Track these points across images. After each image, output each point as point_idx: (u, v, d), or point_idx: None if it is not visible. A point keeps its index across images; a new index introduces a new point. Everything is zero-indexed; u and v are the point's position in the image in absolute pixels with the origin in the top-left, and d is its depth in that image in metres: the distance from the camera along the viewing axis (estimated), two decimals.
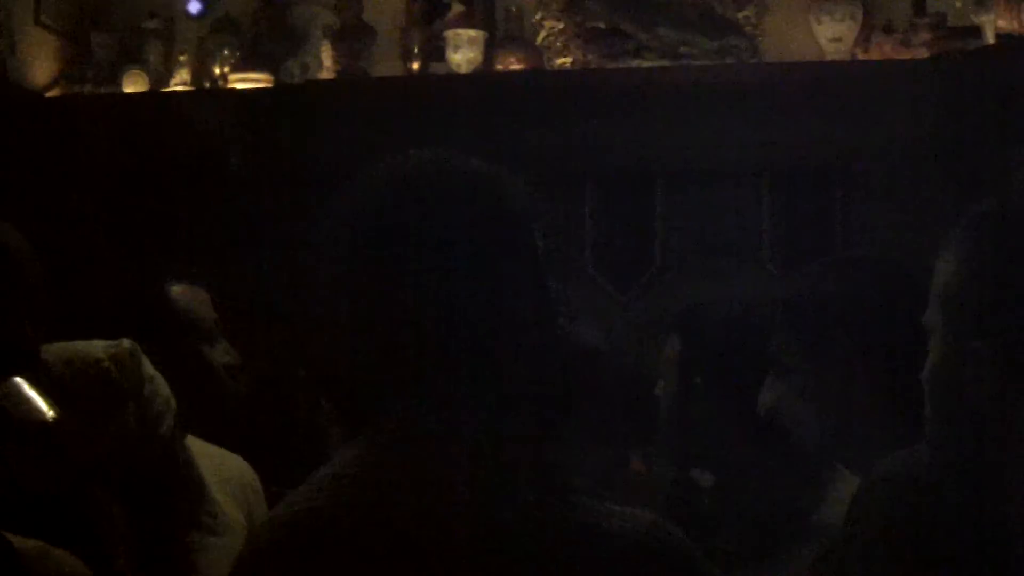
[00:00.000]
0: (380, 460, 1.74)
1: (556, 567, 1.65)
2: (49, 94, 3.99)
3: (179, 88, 3.94)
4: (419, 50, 3.91)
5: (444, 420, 1.71)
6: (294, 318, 3.65)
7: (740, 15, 3.87)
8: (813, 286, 2.42)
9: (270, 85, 3.88)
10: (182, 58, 3.97)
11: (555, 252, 1.81)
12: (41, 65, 4.00)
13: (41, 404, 1.92)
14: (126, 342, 2.28)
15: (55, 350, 2.18)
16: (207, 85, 3.95)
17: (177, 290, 2.92)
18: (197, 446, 2.99)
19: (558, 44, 3.90)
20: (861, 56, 3.77)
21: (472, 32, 3.88)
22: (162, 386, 2.33)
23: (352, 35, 3.91)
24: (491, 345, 1.72)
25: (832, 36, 3.77)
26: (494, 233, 1.73)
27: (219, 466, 2.93)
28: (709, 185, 3.91)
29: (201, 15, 3.98)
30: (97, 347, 2.24)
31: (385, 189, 1.76)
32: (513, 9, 3.93)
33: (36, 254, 2.05)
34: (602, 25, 3.89)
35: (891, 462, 2.10)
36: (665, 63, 3.83)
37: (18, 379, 1.92)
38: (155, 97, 3.93)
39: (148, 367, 2.30)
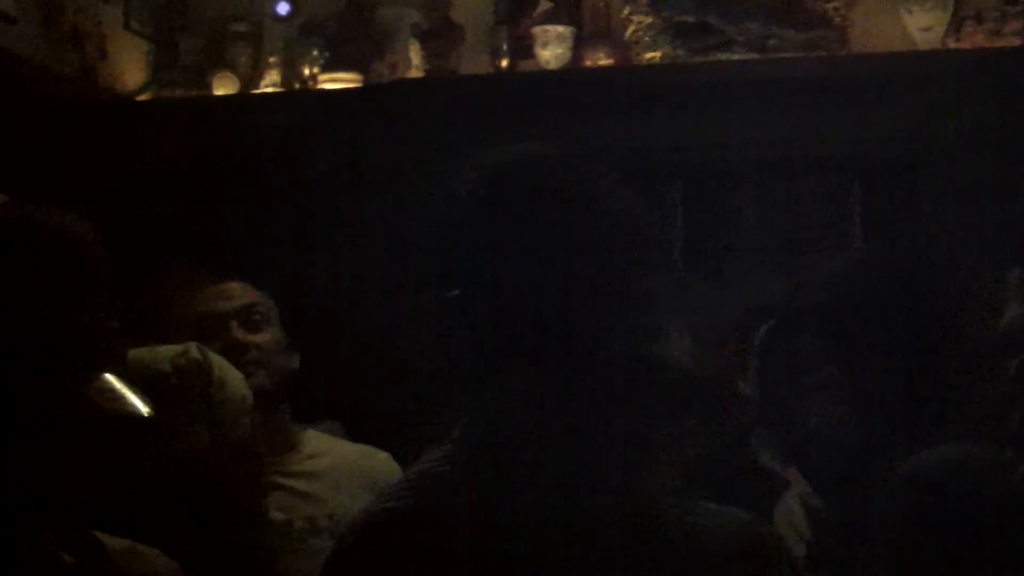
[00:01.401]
0: (471, 458, 1.73)
1: (652, 565, 1.64)
2: (140, 98, 4.02)
3: (269, 90, 3.97)
4: (507, 48, 3.92)
5: (535, 420, 1.71)
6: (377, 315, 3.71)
7: (828, 6, 3.86)
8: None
9: (359, 85, 3.90)
10: (271, 60, 3.99)
11: (653, 254, 1.80)
12: (131, 70, 4.03)
13: (136, 400, 1.88)
14: (193, 349, 2.26)
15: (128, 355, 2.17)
16: (296, 87, 3.97)
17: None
18: (334, 444, 3.02)
19: (646, 39, 3.90)
20: (952, 46, 3.75)
21: (560, 28, 3.88)
22: (236, 386, 2.31)
23: (440, 34, 3.92)
24: (585, 346, 1.71)
25: (922, 25, 3.75)
26: (596, 235, 1.72)
27: (356, 463, 2.96)
28: (797, 179, 3.90)
29: (288, 16, 4.00)
30: (162, 356, 2.22)
31: (490, 183, 1.76)
32: (600, 4, 3.93)
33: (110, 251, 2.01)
34: (690, 19, 3.88)
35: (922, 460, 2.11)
36: (753, 56, 3.83)
37: (109, 374, 1.89)
38: (245, 99, 3.97)
39: (219, 369, 2.28)
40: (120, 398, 1.90)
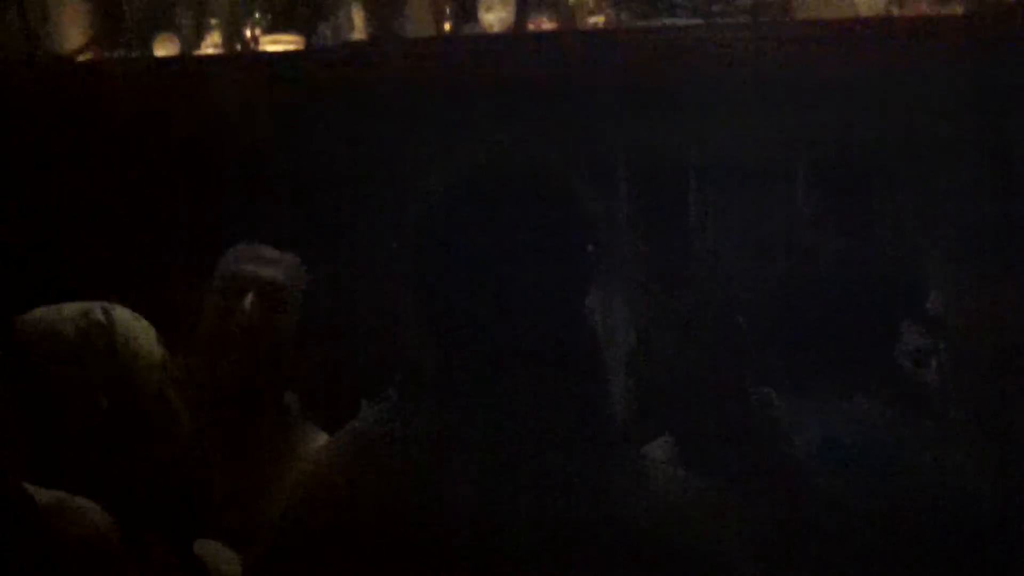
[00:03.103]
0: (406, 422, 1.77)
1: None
2: (80, 59, 3.99)
3: (210, 51, 3.94)
4: (450, 11, 3.91)
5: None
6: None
7: None
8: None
9: (301, 48, 3.88)
10: (213, 22, 3.96)
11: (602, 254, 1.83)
12: (73, 32, 4.00)
13: None
14: (96, 311, 2.22)
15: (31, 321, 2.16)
16: (238, 48, 3.95)
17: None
18: None
19: (590, 3, 3.89)
20: (896, 14, 3.75)
21: None
22: (142, 342, 2.26)
23: None
24: (527, 338, 1.74)
25: None
26: (549, 230, 1.75)
27: None
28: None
29: None
30: (66, 317, 2.19)
31: (456, 179, 1.79)
32: None
33: None
34: None
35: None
36: (697, 21, 3.82)
37: None
38: (186, 61, 3.94)
39: (124, 326, 2.23)
40: None
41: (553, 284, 1.79)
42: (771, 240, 3.64)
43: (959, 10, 3.65)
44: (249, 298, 2.80)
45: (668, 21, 3.84)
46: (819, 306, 2.47)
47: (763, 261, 3.20)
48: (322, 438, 2.84)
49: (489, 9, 3.87)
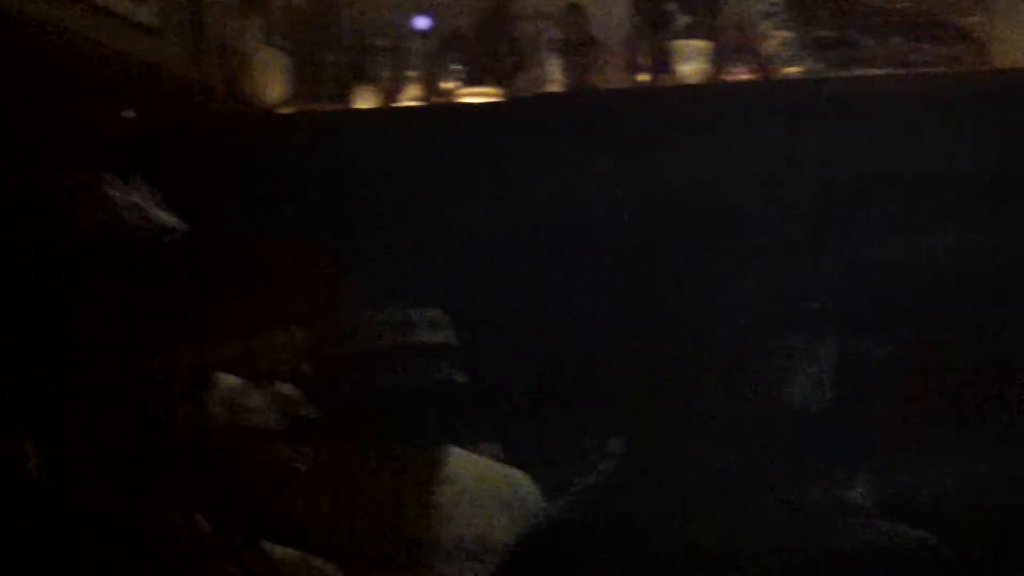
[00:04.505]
0: None
1: None
2: (281, 111, 4.07)
3: (410, 103, 4.01)
4: (646, 62, 3.95)
5: None
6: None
7: (969, 21, 3.86)
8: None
9: (500, 100, 3.94)
10: (411, 74, 4.03)
11: None
12: (272, 85, 4.07)
13: None
14: None
15: None
16: (436, 101, 4.01)
17: None
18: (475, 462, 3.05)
19: (786, 54, 3.91)
20: None
21: (700, 43, 3.90)
22: None
23: (579, 48, 3.95)
24: None
25: None
26: None
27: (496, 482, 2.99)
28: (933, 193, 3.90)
29: (429, 30, 4.03)
30: None
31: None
32: (738, 19, 3.95)
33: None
34: (830, 34, 3.89)
35: None
36: (895, 71, 3.83)
37: None
38: (386, 112, 4.01)
39: None
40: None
41: None
42: None
43: None
44: None
45: (865, 71, 3.85)
46: None
47: None
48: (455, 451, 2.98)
49: (685, 60, 3.90)
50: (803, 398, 2.85)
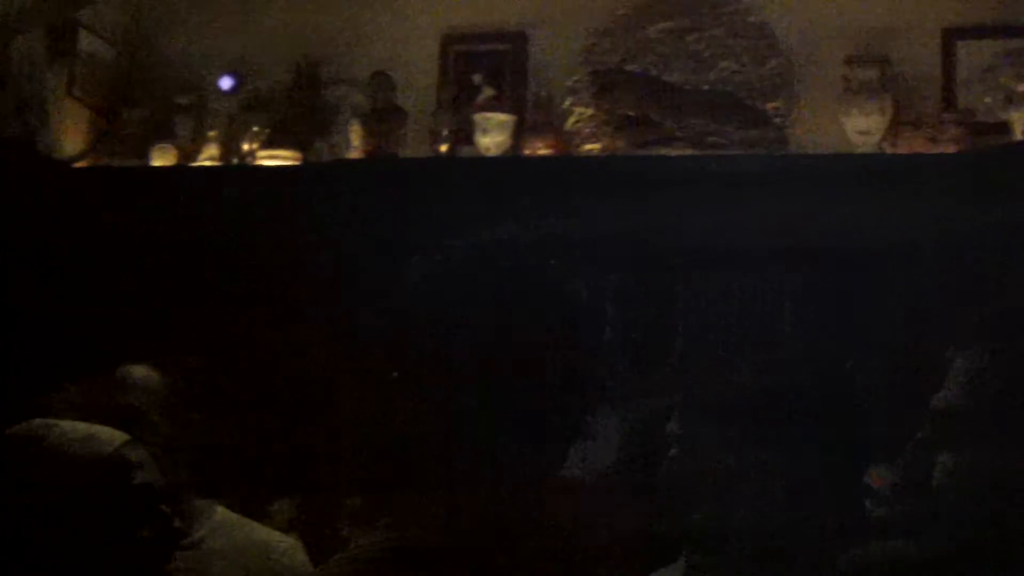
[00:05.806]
0: None
1: None
2: (77, 165, 4.02)
3: (207, 163, 3.97)
4: (448, 133, 3.93)
5: None
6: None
7: (769, 106, 3.88)
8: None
9: (298, 163, 3.90)
10: (211, 134, 3.99)
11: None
12: (72, 137, 4.02)
13: None
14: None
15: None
16: (235, 161, 3.97)
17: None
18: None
19: (587, 130, 3.92)
20: (889, 150, 3.77)
21: (502, 116, 3.90)
22: None
23: (383, 117, 3.93)
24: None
25: (861, 129, 3.77)
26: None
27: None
28: (732, 272, 3.90)
29: (233, 91, 4.00)
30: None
31: (432, 277, 1.79)
32: (543, 94, 3.95)
33: None
34: (631, 113, 3.90)
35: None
36: (693, 152, 3.84)
37: None
38: (182, 171, 3.96)
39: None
40: None
41: None
42: None
43: (954, 148, 3.66)
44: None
45: (664, 151, 3.86)
46: None
47: None
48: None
49: (486, 133, 3.89)
50: None
